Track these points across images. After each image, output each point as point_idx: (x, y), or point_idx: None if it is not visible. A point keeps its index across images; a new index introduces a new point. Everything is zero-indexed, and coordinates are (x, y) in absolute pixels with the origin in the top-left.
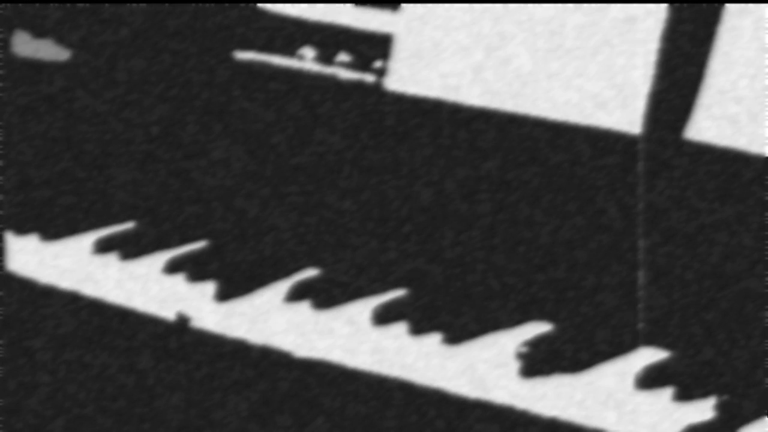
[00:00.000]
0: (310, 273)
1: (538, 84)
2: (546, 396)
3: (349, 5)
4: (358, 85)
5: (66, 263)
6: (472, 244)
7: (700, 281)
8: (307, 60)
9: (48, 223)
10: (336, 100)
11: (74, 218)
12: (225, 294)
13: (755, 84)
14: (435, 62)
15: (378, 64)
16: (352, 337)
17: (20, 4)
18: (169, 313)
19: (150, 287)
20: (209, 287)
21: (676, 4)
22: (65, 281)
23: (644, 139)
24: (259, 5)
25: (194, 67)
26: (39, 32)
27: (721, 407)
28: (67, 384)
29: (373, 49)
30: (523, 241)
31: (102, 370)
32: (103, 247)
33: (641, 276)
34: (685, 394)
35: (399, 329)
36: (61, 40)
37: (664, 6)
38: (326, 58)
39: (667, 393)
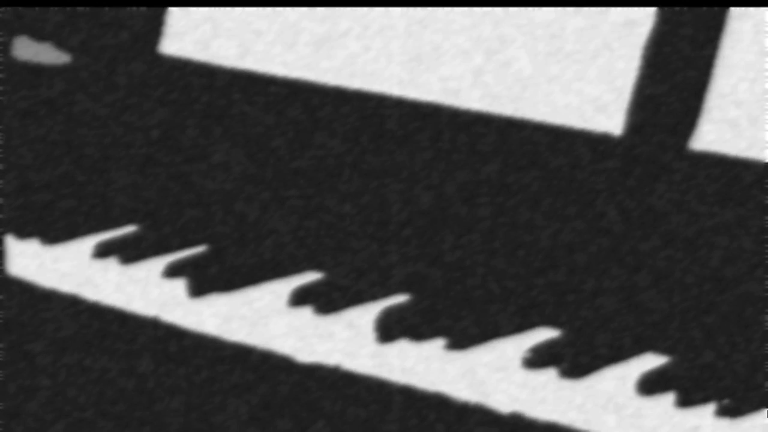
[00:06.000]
0: (310, 277)
1: (538, 88)
2: (546, 400)
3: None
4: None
5: (66, 267)
6: (472, 247)
7: (701, 285)
8: None
9: (48, 227)
10: (336, 103)
11: (74, 222)
12: (224, 298)
13: (755, 88)
14: (435, 66)
15: None
16: (353, 341)
17: (21, 8)
18: (168, 317)
19: (150, 291)
20: (209, 291)
21: (677, 8)
22: (65, 285)
23: (642, 143)
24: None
25: (194, 71)
26: (39, 36)
27: (721, 411)
28: (67, 387)
29: None
30: (523, 244)
31: (102, 373)
32: (103, 250)
33: None
34: (685, 399)
35: (399, 333)
36: (61, 43)
37: (664, 10)
38: None
39: (667, 397)
